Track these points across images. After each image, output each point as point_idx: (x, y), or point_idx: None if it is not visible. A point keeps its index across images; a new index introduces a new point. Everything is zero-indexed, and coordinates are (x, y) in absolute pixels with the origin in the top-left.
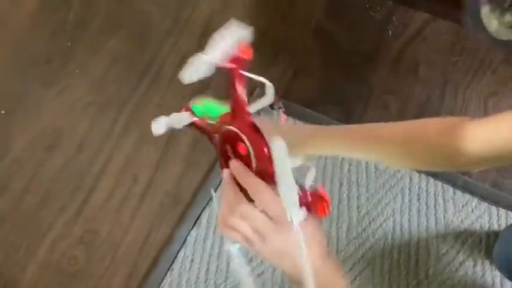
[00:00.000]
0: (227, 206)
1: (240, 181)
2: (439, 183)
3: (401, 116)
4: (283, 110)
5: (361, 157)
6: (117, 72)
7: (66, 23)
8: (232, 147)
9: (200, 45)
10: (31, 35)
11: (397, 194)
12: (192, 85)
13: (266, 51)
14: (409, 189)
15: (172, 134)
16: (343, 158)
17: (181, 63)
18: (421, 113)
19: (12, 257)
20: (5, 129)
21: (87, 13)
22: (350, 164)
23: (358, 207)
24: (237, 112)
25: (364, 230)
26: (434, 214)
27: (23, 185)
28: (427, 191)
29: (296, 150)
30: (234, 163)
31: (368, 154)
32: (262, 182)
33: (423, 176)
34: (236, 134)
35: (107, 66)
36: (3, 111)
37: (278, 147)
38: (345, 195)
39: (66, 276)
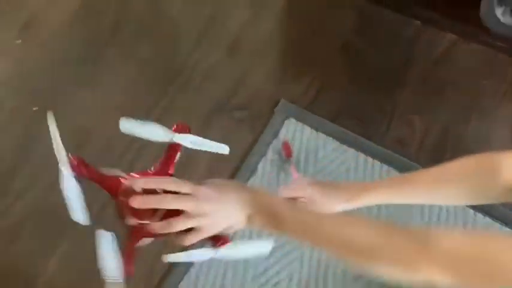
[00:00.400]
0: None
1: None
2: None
3: (425, 137)
4: (295, 166)
5: (415, 202)
6: (147, 77)
7: (103, 27)
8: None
9: (229, 55)
10: (69, 36)
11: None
12: (216, 95)
13: (295, 63)
14: (429, 207)
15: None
16: (347, 180)
17: (208, 71)
18: (446, 134)
19: (35, 251)
20: (37, 125)
21: (123, 19)
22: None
23: None
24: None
25: None
26: None
27: (50, 181)
28: (447, 211)
29: (349, 203)
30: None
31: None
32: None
33: None
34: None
35: (137, 70)
36: (35, 108)
37: None
38: None
39: (87, 271)
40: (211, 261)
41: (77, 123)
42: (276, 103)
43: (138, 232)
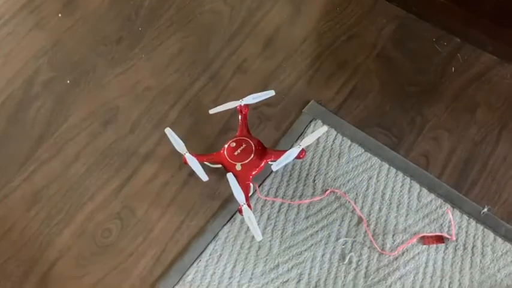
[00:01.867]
0: None
1: None
2: (481, 227)
3: (451, 154)
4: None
5: None
6: (179, 63)
7: (141, 9)
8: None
9: (262, 52)
10: (107, 16)
11: (435, 229)
12: (246, 89)
13: (328, 66)
14: (448, 226)
15: (220, 131)
16: (368, 189)
17: (240, 66)
18: (472, 154)
19: (52, 218)
20: (68, 97)
21: (161, 3)
22: (384, 194)
23: (393, 235)
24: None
25: (397, 259)
26: (471, 257)
27: (75, 151)
28: (467, 232)
29: None
30: None
31: None
32: None
33: (465, 216)
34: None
35: (170, 56)
36: (68, 81)
37: None
38: (382, 220)
39: (98, 247)
40: (222, 251)
41: (106, 100)
42: (305, 104)
43: (244, 173)
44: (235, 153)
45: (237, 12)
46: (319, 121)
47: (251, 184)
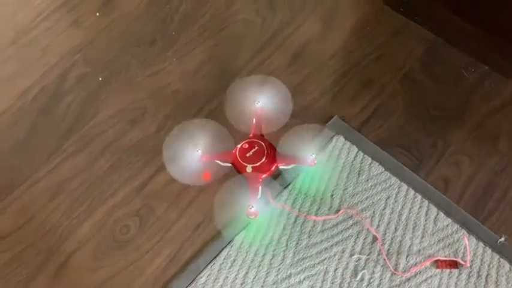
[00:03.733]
0: None
1: None
2: (496, 256)
3: (471, 181)
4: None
5: None
6: (209, 70)
7: (176, 14)
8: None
9: (290, 65)
10: (143, 18)
11: (449, 254)
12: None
13: (354, 83)
14: (463, 252)
15: (243, 138)
16: (385, 208)
17: (268, 75)
18: (492, 183)
19: (74, 210)
20: (99, 94)
21: (196, 10)
22: (401, 214)
23: (407, 256)
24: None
25: (409, 280)
26: (484, 285)
27: (101, 147)
28: (482, 260)
29: None
30: None
31: None
32: None
33: (481, 243)
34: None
35: (201, 62)
36: (100, 78)
37: None
38: (397, 240)
39: (115, 242)
40: (236, 256)
41: (135, 99)
42: (329, 118)
43: (254, 176)
44: (247, 154)
45: (268, 24)
46: (341, 137)
47: (260, 187)
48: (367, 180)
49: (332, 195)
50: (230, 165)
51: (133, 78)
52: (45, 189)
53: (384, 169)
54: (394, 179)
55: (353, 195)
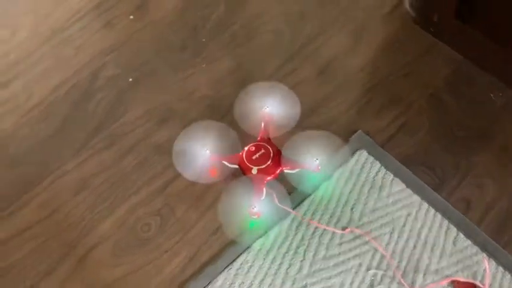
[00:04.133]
0: None
1: None
2: None
3: (493, 204)
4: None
5: None
6: (237, 77)
7: (208, 22)
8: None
9: (317, 77)
10: (175, 24)
11: (468, 276)
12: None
13: (380, 99)
14: (482, 276)
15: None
16: (405, 225)
17: (293, 88)
18: None
19: (97, 205)
20: (128, 94)
21: (228, 19)
22: (420, 233)
23: (424, 275)
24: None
25: None
26: None
27: (128, 145)
28: (500, 284)
29: None
30: None
31: None
32: None
33: (500, 268)
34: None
35: (229, 69)
36: (131, 79)
37: None
38: (415, 257)
39: (136, 240)
40: (253, 262)
41: (164, 101)
42: (353, 133)
43: (258, 177)
44: (254, 157)
45: (297, 36)
46: (365, 151)
47: (264, 189)
48: (388, 196)
49: (352, 208)
50: (237, 166)
51: (163, 81)
52: (71, 183)
53: (405, 186)
54: (415, 197)
55: (373, 210)
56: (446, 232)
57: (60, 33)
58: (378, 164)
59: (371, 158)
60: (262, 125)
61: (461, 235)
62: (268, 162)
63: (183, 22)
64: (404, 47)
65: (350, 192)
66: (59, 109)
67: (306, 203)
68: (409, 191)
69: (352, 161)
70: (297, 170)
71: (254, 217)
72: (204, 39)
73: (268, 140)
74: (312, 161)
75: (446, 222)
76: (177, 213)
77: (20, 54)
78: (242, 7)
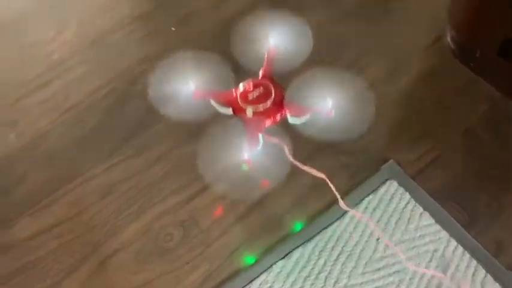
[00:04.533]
0: None
1: None
2: None
3: None
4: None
5: None
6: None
7: None
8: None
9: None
10: (213, 38)
11: None
12: None
13: (414, 130)
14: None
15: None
16: (431, 261)
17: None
18: None
19: (122, 211)
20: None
21: None
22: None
23: None
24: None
25: None
26: None
27: (158, 154)
28: None
29: None
30: None
31: None
32: None
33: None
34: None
35: None
36: None
37: None
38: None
39: (158, 248)
40: (273, 284)
41: None
42: (384, 161)
43: (254, 121)
44: (250, 96)
45: (336, 61)
46: (395, 182)
47: (260, 136)
48: (416, 229)
49: (378, 238)
50: (229, 109)
51: None
52: (99, 187)
53: (434, 221)
54: (443, 233)
55: (399, 243)
56: (473, 273)
57: (103, 38)
58: (407, 196)
59: (401, 189)
60: (266, 58)
61: (490, 277)
62: (268, 104)
63: (218, 40)
64: (442, 79)
65: (378, 221)
66: (94, 112)
67: (330, 229)
68: (437, 226)
69: (382, 190)
70: (303, 116)
71: (244, 166)
72: None
73: (271, 79)
74: (323, 103)
75: (474, 262)
76: (201, 226)
77: (63, 55)
78: None
